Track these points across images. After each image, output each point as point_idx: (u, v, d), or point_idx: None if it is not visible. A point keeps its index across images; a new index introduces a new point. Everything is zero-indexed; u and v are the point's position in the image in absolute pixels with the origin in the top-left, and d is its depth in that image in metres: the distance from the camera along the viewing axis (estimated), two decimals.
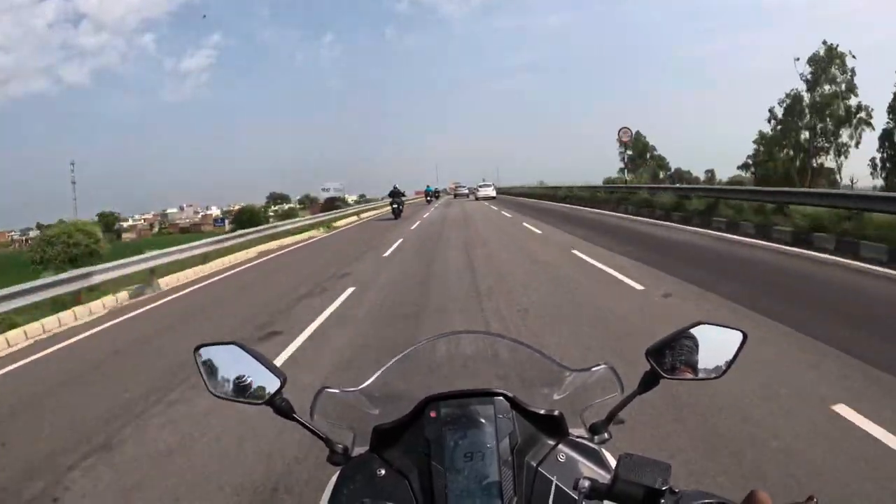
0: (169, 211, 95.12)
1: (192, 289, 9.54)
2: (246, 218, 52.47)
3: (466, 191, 51.04)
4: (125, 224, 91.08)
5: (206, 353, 0.91)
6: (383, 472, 0.78)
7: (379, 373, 0.98)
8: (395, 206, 23.61)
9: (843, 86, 32.02)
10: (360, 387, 0.96)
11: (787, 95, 33.59)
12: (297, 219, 22.58)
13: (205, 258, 11.90)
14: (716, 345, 0.87)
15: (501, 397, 0.79)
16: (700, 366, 0.87)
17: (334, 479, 0.84)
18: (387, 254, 11.47)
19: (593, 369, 0.95)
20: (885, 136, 30.46)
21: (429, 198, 40.82)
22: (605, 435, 0.87)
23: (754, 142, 35.73)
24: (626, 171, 31.74)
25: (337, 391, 0.94)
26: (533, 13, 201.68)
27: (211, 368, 0.90)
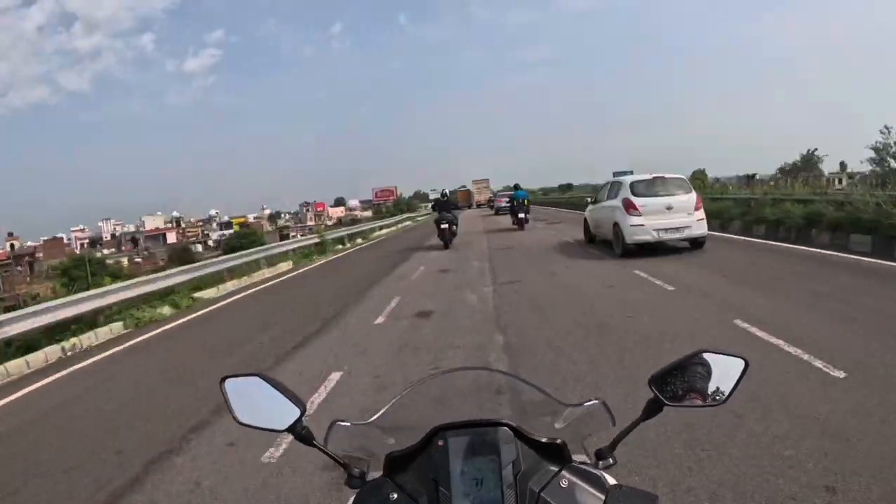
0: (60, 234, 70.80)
1: None
2: None
3: (505, 203, 29.51)
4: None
5: (231, 384, 0.96)
6: (395, 496, 0.83)
7: (388, 406, 1.04)
8: (442, 225, 14.51)
9: None
10: (371, 420, 1.02)
11: None
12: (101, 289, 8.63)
13: None
14: (718, 372, 0.92)
15: (506, 427, 0.85)
16: (702, 393, 0.91)
17: (351, 501, 0.89)
18: None
19: (585, 404, 1.01)
20: None
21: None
22: (611, 460, 0.92)
23: None
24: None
25: (349, 424, 1.00)
26: None
27: (236, 398, 0.96)
